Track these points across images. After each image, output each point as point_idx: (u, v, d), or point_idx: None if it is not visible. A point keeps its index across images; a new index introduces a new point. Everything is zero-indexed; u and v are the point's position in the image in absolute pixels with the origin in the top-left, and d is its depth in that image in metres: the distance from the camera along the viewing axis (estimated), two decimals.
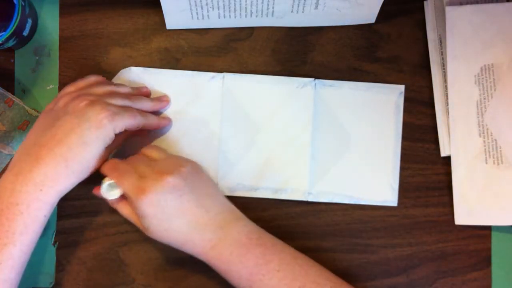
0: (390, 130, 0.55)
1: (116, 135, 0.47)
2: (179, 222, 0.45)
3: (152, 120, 0.51)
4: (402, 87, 0.55)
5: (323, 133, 0.55)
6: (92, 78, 0.51)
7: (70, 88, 0.49)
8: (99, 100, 0.46)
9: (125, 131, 0.48)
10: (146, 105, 0.51)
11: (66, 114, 0.45)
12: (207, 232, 0.46)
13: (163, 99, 0.54)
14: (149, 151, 0.49)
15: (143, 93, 0.53)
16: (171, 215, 0.45)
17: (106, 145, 0.47)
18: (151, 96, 0.54)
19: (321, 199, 0.54)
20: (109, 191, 0.47)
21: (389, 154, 0.55)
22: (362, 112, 0.55)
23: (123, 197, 0.47)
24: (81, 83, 0.50)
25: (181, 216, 0.45)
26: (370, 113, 0.55)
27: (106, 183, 0.47)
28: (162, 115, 0.54)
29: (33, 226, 0.44)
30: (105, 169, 0.48)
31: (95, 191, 0.49)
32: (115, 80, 0.55)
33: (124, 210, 0.48)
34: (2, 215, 0.43)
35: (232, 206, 0.49)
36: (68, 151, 0.44)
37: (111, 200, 0.48)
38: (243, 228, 0.47)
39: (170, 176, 0.45)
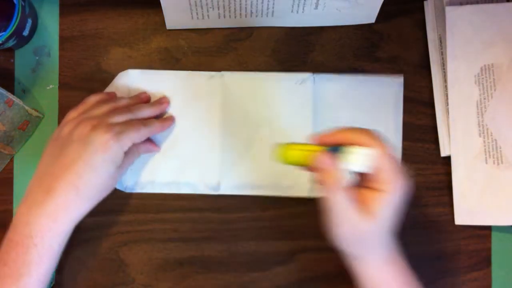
0: (390, 122, 0.55)
1: (126, 152, 0.48)
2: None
3: (156, 127, 0.51)
4: (401, 78, 0.55)
5: (324, 127, 0.55)
6: (92, 99, 0.51)
7: (72, 114, 0.49)
8: (102, 123, 0.47)
9: (133, 145, 0.48)
10: (147, 112, 0.52)
11: (72, 142, 0.46)
12: (383, 249, 0.44)
13: (162, 101, 0.54)
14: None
15: (142, 99, 0.53)
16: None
17: (117, 166, 0.47)
18: (152, 99, 0.54)
19: None
20: (354, 161, 0.40)
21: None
22: (362, 104, 0.55)
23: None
24: (82, 107, 0.50)
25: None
26: (370, 105, 0.55)
27: (362, 150, 0.40)
28: (164, 116, 0.54)
29: (47, 256, 0.45)
30: (358, 136, 0.41)
31: (322, 158, 0.41)
32: (114, 83, 0.55)
33: (346, 191, 0.41)
34: (17, 247, 0.44)
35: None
36: (78, 179, 0.45)
37: (355, 173, 0.41)
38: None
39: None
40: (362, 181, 0.42)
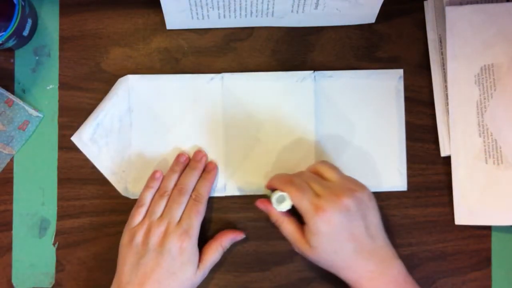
0: (392, 115, 0.55)
1: (207, 250, 0.51)
2: (348, 247, 0.46)
3: (208, 191, 0.53)
4: (401, 71, 0.55)
5: (327, 124, 0.55)
6: (147, 195, 0.52)
7: (137, 218, 0.51)
8: (170, 225, 0.49)
9: (215, 240, 0.52)
10: (208, 188, 0.53)
11: (149, 251, 0.48)
12: (370, 262, 0.46)
13: (210, 168, 0.54)
14: (322, 169, 0.49)
15: (184, 163, 0.54)
16: (342, 237, 0.45)
17: (195, 265, 0.49)
18: (154, 104, 0.54)
19: None
20: (279, 203, 0.48)
21: (394, 140, 0.55)
22: (364, 99, 0.55)
23: (288, 214, 0.48)
24: (143, 207, 0.51)
25: (351, 240, 0.45)
26: (372, 100, 0.55)
27: (277, 195, 0.48)
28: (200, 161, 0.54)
29: None
30: (277, 182, 0.49)
31: (259, 204, 0.50)
32: (114, 89, 0.54)
33: (288, 226, 0.48)
34: None
35: (389, 244, 0.48)
36: (159, 286, 0.47)
37: (280, 212, 0.48)
38: (402, 268, 0.47)
39: (346, 199, 0.45)
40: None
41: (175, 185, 0.52)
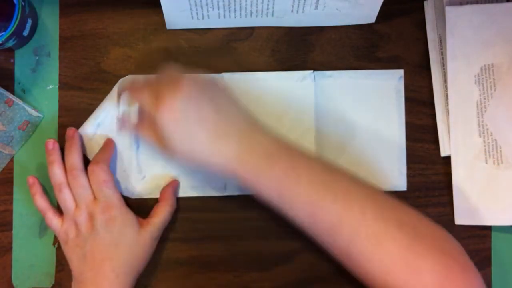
0: (392, 115, 0.55)
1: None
2: (201, 132, 0.44)
3: (80, 155, 0.52)
4: (401, 71, 0.55)
5: (327, 124, 0.55)
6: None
7: (48, 208, 0.51)
8: (93, 209, 0.49)
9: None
10: (76, 154, 0.52)
11: (85, 240, 0.49)
12: (230, 141, 0.44)
13: (68, 136, 0.53)
14: (164, 70, 0.48)
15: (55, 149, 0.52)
16: (191, 124, 0.43)
17: (135, 225, 0.50)
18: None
19: None
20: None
21: (394, 140, 0.55)
22: (364, 99, 0.55)
23: (144, 120, 0.48)
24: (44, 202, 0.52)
25: (201, 125, 0.44)
26: (372, 100, 0.55)
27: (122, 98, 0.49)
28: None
29: None
30: (121, 87, 0.49)
31: (119, 119, 0.51)
32: (115, 90, 0.54)
33: (146, 132, 0.48)
34: None
35: (257, 119, 0.47)
36: (111, 262, 0.48)
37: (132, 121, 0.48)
38: (268, 136, 0.45)
39: (185, 85, 0.44)
40: None
41: (65, 171, 0.51)
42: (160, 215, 0.52)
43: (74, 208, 0.50)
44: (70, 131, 0.53)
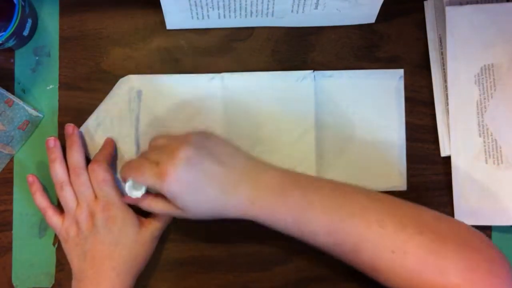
0: (392, 115, 0.55)
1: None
2: (211, 189, 0.44)
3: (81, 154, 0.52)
4: (401, 71, 0.55)
5: (327, 124, 0.55)
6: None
7: (57, 219, 0.51)
8: (94, 207, 0.50)
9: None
10: (77, 152, 0.52)
11: (85, 238, 0.49)
12: (242, 187, 0.45)
13: (68, 133, 0.53)
14: (154, 141, 0.49)
15: (57, 149, 0.52)
16: (200, 184, 0.44)
17: (135, 224, 0.50)
18: (155, 103, 0.54)
19: None
20: (133, 191, 0.47)
21: (394, 140, 0.55)
22: (363, 99, 0.55)
23: (150, 194, 0.48)
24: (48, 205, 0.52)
25: (209, 182, 0.44)
26: (372, 100, 0.55)
27: (127, 184, 0.47)
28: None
29: None
30: (123, 174, 0.48)
31: (125, 201, 0.50)
32: (115, 89, 0.54)
33: (158, 204, 0.47)
34: None
35: (256, 158, 0.48)
36: (111, 261, 0.48)
37: (141, 198, 0.47)
38: (275, 174, 0.46)
39: (181, 149, 0.44)
40: None
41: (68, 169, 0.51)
42: (162, 217, 0.52)
43: (76, 206, 0.50)
44: (69, 127, 0.53)
